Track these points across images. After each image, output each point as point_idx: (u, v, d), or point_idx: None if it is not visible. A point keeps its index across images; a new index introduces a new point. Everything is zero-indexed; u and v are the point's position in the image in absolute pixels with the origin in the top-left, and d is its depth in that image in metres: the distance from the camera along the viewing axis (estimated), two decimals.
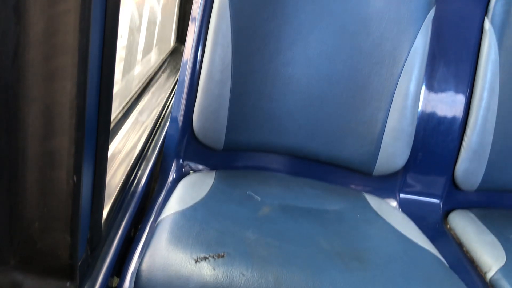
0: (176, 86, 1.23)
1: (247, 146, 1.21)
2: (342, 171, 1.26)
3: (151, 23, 1.82)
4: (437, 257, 0.94)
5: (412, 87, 1.16)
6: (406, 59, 1.15)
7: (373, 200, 1.15)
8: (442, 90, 1.26)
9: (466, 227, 1.18)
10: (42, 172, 0.57)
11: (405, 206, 1.26)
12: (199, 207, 0.94)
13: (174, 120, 1.20)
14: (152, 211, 1.02)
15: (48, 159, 0.56)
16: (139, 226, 0.97)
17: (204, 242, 0.81)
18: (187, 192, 1.00)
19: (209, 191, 1.02)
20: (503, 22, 1.20)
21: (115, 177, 0.94)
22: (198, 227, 0.85)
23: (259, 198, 1.04)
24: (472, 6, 1.24)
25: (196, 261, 0.76)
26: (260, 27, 1.14)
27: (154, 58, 1.93)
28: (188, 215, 0.90)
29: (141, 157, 1.10)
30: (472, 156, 1.23)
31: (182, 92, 1.19)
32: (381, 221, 1.05)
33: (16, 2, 0.49)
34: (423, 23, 1.15)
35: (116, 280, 0.81)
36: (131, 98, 1.37)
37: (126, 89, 1.44)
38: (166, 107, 1.47)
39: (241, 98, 1.15)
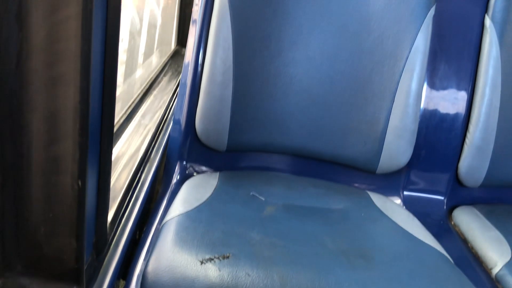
0: (178, 88, 1.24)
1: (250, 147, 1.21)
2: (346, 169, 1.26)
3: (152, 26, 1.82)
4: (442, 254, 0.94)
5: (414, 85, 1.16)
6: (407, 57, 1.15)
7: (377, 198, 1.15)
8: (444, 87, 1.26)
9: (471, 224, 1.18)
10: (47, 178, 0.57)
11: (409, 204, 1.26)
12: (203, 208, 0.94)
13: (176, 122, 1.20)
14: (157, 213, 1.02)
15: (52, 165, 0.57)
16: (144, 229, 0.97)
17: (209, 244, 0.81)
18: (191, 194, 1.01)
19: (213, 193, 1.02)
20: (503, 18, 1.20)
21: (119, 180, 0.94)
22: (202, 228, 0.86)
23: (263, 199, 1.04)
24: (472, 4, 1.24)
25: (202, 263, 0.76)
26: (261, 28, 1.15)
27: (155, 61, 1.93)
28: (193, 216, 0.90)
29: (144, 159, 1.11)
30: (475, 152, 1.23)
31: (184, 94, 1.19)
32: (386, 219, 1.05)
33: (18, 10, 0.50)
34: (423, 21, 1.15)
35: (122, 283, 0.81)
36: (133, 101, 1.37)
37: (128, 92, 1.45)
38: (169, 109, 1.47)
39: (243, 99, 1.15)
